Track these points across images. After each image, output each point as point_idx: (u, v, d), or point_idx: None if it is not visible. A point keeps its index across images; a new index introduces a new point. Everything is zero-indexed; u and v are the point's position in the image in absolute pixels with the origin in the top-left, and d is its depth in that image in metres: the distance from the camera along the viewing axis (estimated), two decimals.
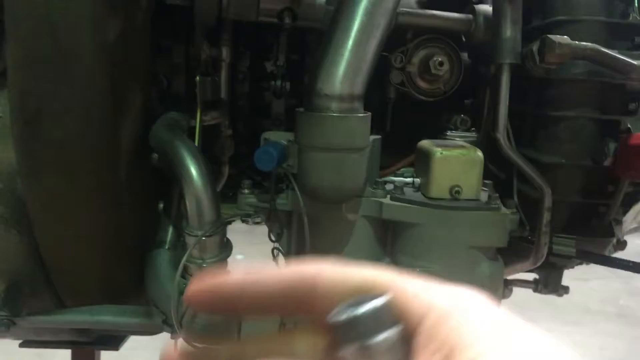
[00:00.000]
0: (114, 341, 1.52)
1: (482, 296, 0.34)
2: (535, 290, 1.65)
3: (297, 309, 0.38)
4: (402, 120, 1.41)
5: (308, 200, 1.07)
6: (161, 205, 1.27)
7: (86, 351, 1.71)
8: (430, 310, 0.33)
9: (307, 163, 1.04)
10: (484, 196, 1.11)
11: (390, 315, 0.33)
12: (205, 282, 0.40)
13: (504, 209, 1.09)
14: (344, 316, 0.33)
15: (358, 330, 0.32)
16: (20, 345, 1.49)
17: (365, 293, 0.34)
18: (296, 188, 1.04)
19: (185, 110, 1.23)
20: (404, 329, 0.33)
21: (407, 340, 0.32)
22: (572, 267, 1.55)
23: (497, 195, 1.10)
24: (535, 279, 1.62)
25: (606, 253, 1.45)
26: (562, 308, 4.52)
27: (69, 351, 3.18)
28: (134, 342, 1.65)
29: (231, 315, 0.40)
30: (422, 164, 1.14)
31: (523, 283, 1.65)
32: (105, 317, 1.13)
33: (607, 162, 1.22)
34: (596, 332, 4.30)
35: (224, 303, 0.39)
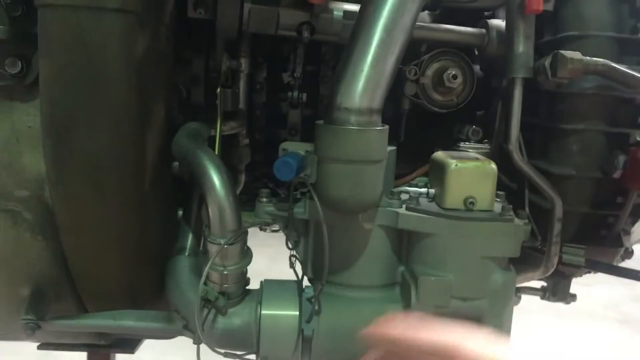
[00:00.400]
0: (130, 344, 1.55)
1: None
2: (542, 297, 1.67)
3: None
4: (415, 130, 1.44)
5: (325, 209, 1.09)
6: (180, 213, 1.30)
7: (101, 354, 1.74)
8: None
9: (326, 174, 1.07)
10: (497, 207, 1.14)
11: None
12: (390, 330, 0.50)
13: (517, 220, 1.12)
14: None
15: None
16: (39, 348, 1.52)
17: None
18: (315, 198, 1.07)
19: (205, 119, 1.26)
20: None
21: None
22: (581, 276, 1.58)
23: (511, 206, 1.13)
24: (542, 287, 1.65)
25: (614, 262, 1.48)
26: (565, 313, 4.53)
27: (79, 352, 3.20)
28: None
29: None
30: (437, 175, 1.16)
31: (531, 290, 1.67)
32: (127, 321, 1.16)
33: (616, 174, 1.25)
34: (599, 338, 4.32)
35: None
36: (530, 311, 4.10)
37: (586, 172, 1.29)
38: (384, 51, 1.01)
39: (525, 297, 1.67)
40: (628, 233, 1.40)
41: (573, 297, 1.65)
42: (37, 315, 1.13)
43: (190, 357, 1.14)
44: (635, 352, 4.15)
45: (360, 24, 1.03)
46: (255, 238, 1.49)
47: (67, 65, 0.93)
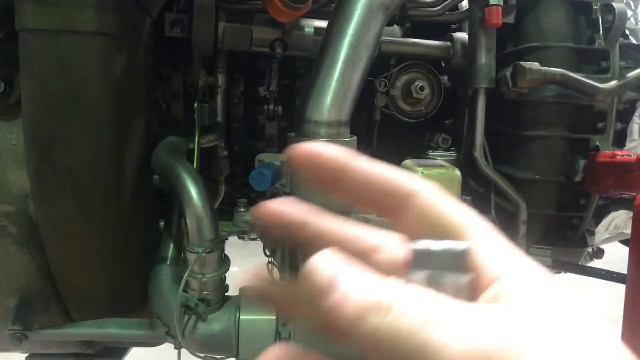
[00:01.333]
0: (116, 353, 1.59)
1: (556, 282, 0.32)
2: None
3: (385, 213, 0.38)
4: (387, 140, 1.50)
5: None
6: (162, 223, 1.35)
7: None
8: (505, 275, 0.32)
9: (298, 184, 1.12)
10: None
11: (466, 263, 0.33)
12: (313, 147, 0.38)
13: None
14: (423, 246, 0.33)
15: (432, 263, 0.32)
16: (27, 359, 1.56)
17: (451, 234, 0.34)
18: None
19: (184, 133, 1.31)
20: (474, 280, 0.32)
21: (474, 291, 0.32)
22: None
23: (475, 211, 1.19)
24: None
25: (581, 262, 1.54)
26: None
27: None
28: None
29: (330, 190, 0.39)
30: None
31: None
32: (112, 329, 1.20)
33: (577, 178, 1.31)
34: None
35: (326, 173, 0.38)
36: None
37: (549, 176, 1.35)
38: (350, 67, 1.07)
39: None
40: (592, 233, 1.46)
41: None
42: (23, 325, 1.17)
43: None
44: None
45: (327, 41, 1.09)
46: (246, 249, 1.54)
47: (48, 86, 0.98)
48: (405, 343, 0.27)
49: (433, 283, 0.31)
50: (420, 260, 0.32)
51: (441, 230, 0.35)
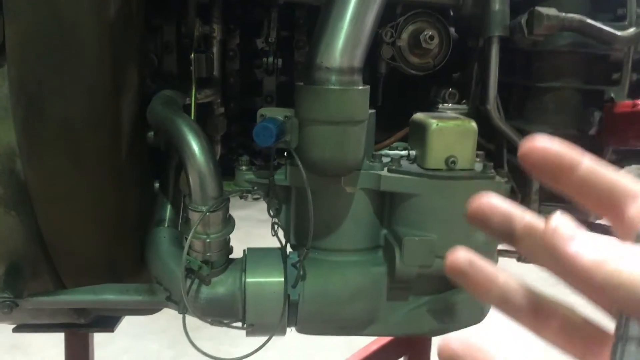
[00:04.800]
0: (109, 322, 1.53)
1: None
2: (518, 260, 1.69)
3: (605, 212, 0.41)
4: (392, 95, 1.43)
5: (308, 174, 1.08)
6: (157, 185, 1.27)
7: (79, 334, 1.71)
8: None
9: (308, 137, 1.05)
10: (478, 166, 1.14)
11: None
12: (547, 145, 0.40)
13: (498, 178, 1.12)
14: None
15: None
16: (14, 330, 1.48)
17: None
18: (299, 162, 1.05)
19: (179, 88, 1.23)
20: None
21: None
22: None
23: (492, 164, 1.13)
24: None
25: (590, 220, 1.50)
26: (533, 282, 4.64)
27: (45, 341, 3.16)
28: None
29: (556, 185, 0.43)
30: (417, 136, 1.16)
31: (507, 253, 1.69)
32: (108, 295, 1.13)
33: (592, 131, 1.26)
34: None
35: (555, 169, 0.41)
36: None
37: (562, 130, 1.30)
38: (363, 8, 0.99)
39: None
40: None
41: None
42: (13, 293, 1.09)
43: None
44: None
45: None
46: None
47: (34, 26, 0.89)
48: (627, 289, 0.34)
49: None
50: None
51: None
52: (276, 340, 1.15)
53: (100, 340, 1.95)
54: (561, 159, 0.40)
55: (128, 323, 1.66)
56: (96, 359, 1.90)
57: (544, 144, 0.40)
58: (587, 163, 0.40)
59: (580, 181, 0.41)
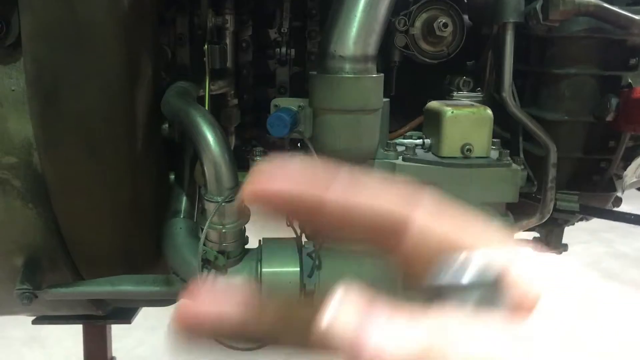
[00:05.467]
0: (126, 314, 1.54)
1: None
2: (535, 248, 1.68)
3: (381, 244, 0.32)
4: (405, 83, 1.42)
5: None
6: (172, 177, 1.27)
7: (98, 326, 1.72)
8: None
9: (322, 126, 1.05)
10: (493, 154, 1.14)
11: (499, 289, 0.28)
12: (260, 186, 0.30)
13: (514, 165, 1.12)
14: (448, 279, 0.28)
15: (461, 297, 0.28)
16: (33, 322, 1.50)
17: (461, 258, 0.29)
18: (313, 152, 1.05)
19: (192, 80, 1.23)
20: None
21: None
22: (573, 224, 1.59)
23: (507, 151, 1.13)
24: (535, 238, 1.66)
25: (607, 208, 1.49)
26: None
27: (61, 334, 3.19)
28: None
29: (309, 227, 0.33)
30: (432, 124, 1.15)
31: (523, 242, 1.69)
32: (126, 286, 1.14)
33: (610, 117, 1.25)
34: (583, 294, 4.39)
35: (299, 210, 0.31)
36: None
37: (578, 117, 1.29)
38: None
39: None
40: (620, 177, 1.40)
41: (565, 246, 1.66)
42: (32, 284, 1.10)
43: None
44: (620, 305, 4.24)
45: None
46: None
47: (50, 21, 0.89)
48: None
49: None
50: (448, 294, 0.28)
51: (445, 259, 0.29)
52: None
53: (116, 333, 1.97)
54: (287, 198, 0.30)
55: (143, 316, 1.67)
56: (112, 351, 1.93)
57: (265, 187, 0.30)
58: (335, 193, 0.30)
59: (331, 217, 0.30)
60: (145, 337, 3.51)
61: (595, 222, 1.60)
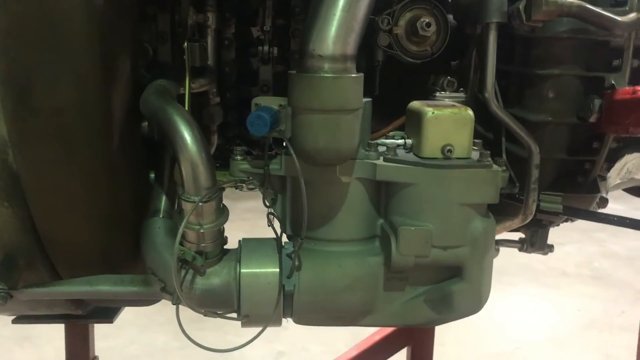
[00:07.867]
0: (108, 313, 1.53)
1: None
2: (521, 249, 1.68)
3: None
4: (389, 83, 1.41)
5: (302, 164, 1.07)
6: (152, 175, 1.26)
7: (79, 325, 1.71)
8: None
9: (301, 125, 1.04)
10: (475, 155, 1.13)
11: None
12: None
13: (495, 166, 1.11)
14: None
15: None
16: (14, 322, 1.49)
17: None
18: (292, 152, 1.04)
19: (173, 78, 1.22)
20: None
21: None
22: (558, 225, 1.58)
23: (488, 152, 1.12)
24: (520, 239, 1.65)
25: (591, 209, 1.49)
26: (539, 272, 4.64)
27: (52, 333, 3.18)
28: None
29: None
30: (414, 124, 1.15)
31: (509, 243, 1.68)
32: (103, 286, 1.13)
33: (593, 118, 1.24)
34: (573, 294, 4.42)
35: None
36: (506, 271, 4.18)
37: (562, 118, 1.28)
38: None
39: (500, 257, 1.67)
40: (604, 179, 1.40)
41: (550, 247, 1.66)
42: (8, 284, 1.08)
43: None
44: (608, 306, 4.27)
45: None
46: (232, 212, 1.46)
47: (22, 16, 0.88)
48: None
49: None
50: None
51: None
52: (281, 332, 1.14)
53: (107, 332, 1.95)
54: None
55: (134, 314, 1.66)
56: (103, 350, 1.91)
57: None
58: None
59: None
60: (137, 336, 3.50)
61: (587, 222, 1.59)
